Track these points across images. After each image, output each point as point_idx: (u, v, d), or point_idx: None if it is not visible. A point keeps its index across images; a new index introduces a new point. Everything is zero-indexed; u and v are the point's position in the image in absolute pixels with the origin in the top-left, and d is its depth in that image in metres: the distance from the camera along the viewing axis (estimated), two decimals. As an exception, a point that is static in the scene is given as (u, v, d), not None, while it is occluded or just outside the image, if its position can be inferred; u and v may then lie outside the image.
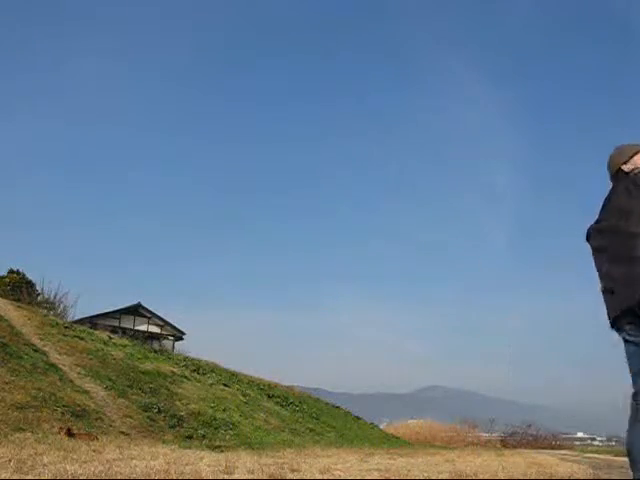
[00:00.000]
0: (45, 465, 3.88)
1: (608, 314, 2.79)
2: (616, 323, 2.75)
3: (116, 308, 28.68)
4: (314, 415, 18.52)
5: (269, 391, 18.72)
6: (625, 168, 2.93)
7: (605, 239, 2.83)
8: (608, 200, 2.92)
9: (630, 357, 2.71)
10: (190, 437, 10.01)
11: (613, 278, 2.73)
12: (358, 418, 23.88)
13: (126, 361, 13.28)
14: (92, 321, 23.83)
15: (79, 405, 8.70)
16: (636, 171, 2.87)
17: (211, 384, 15.34)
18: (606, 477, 6.31)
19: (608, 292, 2.77)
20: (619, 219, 2.75)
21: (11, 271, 22.43)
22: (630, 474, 2.69)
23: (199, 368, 16.66)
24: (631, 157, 2.93)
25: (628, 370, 2.74)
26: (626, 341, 2.72)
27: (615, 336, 2.78)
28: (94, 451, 5.27)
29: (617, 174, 2.98)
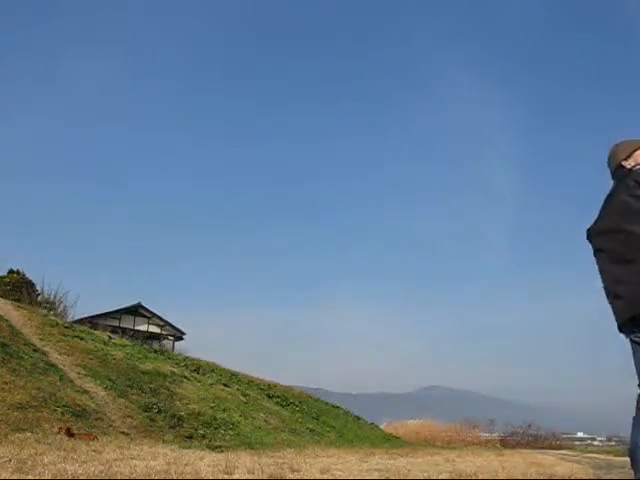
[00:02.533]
0: (45, 465, 3.88)
1: (615, 317, 2.67)
2: (623, 327, 2.64)
3: (116, 308, 28.65)
4: (314, 415, 18.52)
5: (269, 391, 18.72)
6: (626, 164, 2.79)
7: (607, 240, 2.71)
8: (609, 198, 2.78)
9: (637, 359, 2.61)
10: (190, 437, 10.01)
11: (617, 281, 2.63)
12: (358, 418, 23.88)
13: (126, 361, 13.28)
14: (92, 321, 23.80)
15: (79, 405, 8.69)
16: (637, 168, 2.72)
17: (211, 384, 15.34)
18: (606, 477, 6.30)
19: (612, 295, 2.66)
20: (621, 219, 2.61)
21: (11, 271, 22.40)
22: (631, 474, 2.68)
23: (199, 368, 16.66)
24: (632, 153, 2.79)
25: (634, 372, 2.70)
26: (633, 342, 2.63)
27: (622, 337, 2.73)
28: (94, 451, 5.26)
29: (617, 171, 2.84)
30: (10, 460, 3.97)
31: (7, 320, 12.13)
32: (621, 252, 2.61)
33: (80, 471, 3.68)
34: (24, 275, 22.49)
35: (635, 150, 2.80)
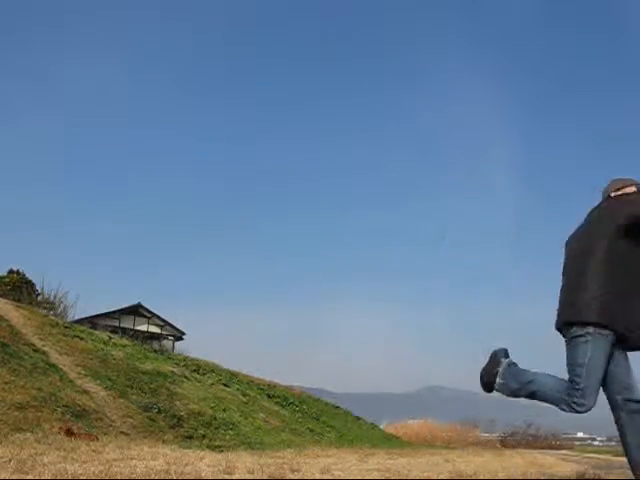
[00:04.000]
0: (45, 465, 3.88)
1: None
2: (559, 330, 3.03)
3: (116, 308, 28.65)
4: (314, 415, 18.54)
5: (269, 391, 18.73)
6: (613, 195, 3.14)
7: (568, 249, 3.14)
8: (588, 215, 3.16)
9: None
10: (190, 437, 10.02)
11: (561, 288, 3.05)
12: (358, 418, 23.91)
13: (126, 361, 13.28)
14: (92, 321, 23.82)
15: (79, 405, 8.69)
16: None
17: (211, 384, 15.34)
18: (606, 477, 6.31)
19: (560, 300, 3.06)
20: (587, 231, 3.04)
21: (11, 271, 22.37)
22: (629, 474, 2.69)
23: (199, 368, 16.66)
24: (621, 188, 3.12)
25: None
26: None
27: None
28: (94, 451, 5.26)
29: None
30: (10, 460, 3.97)
31: (7, 320, 12.12)
32: (575, 261, 3.01)
33: (80, 471, 3.68)
34: (24, 275, 22.47)
35: (624, 187, 3.14)
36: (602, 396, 2.84)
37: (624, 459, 2.84)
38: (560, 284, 3.06)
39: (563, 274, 3.06)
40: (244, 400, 15.45)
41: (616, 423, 2.81)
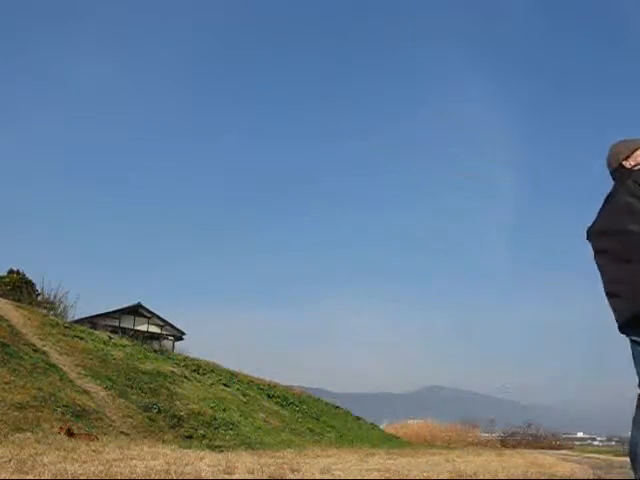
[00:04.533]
0: (45, 465, 3.88)
1: (615, 318, 2.64)
2: (624, 326, 2.61)
3: (116, 308, 28.64)
4: (314, 415, 18.54)
5: (269, 391, 18.74)
6: (626, 164, 2.78)
7: (608, 240, 2.70)
8: (609, 199, 2.78)
9: (636, 359, 2.61)
10: (190, 437, 10.02)
11: (618, 280, 2.62)
12: (358, 418, 23.91)
13: (126, 361, 13.29)
14: (92, 321, 23.80)
15: (79, 405, 8.70)
16: (638, 168, 2.72)
17: (211, 384, 15.34)
18: (606, 477, 6.31)
19: (613, 295, 2.65)
20: (622, 220, 2.60)
21: (11, 271, 22.38)
22: (631, 474, 2.68)
23: (199, 368, 16.67)
24: (632, 153, 2.78)
25: (635, 371, 2.65)
26: (633, 342, 2.62)
27: (623, 337, 2.66)
28: (94, 451, 5.26)
29: (618, 171, 2.81)
30: (10, 460, 3.97)
31: (7, 320, 12.13)
32: (622, 252, 2.59)
33: (80, 471, 3.69)
34: (24, 275, 22.47)
35: (635, 150, 2.78)
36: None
37: (624, 459, 2.82)
38: (601, 279, 2.64)
39: (609, 266, 2.66)
40: (244, 400, 15.46)
41: None
